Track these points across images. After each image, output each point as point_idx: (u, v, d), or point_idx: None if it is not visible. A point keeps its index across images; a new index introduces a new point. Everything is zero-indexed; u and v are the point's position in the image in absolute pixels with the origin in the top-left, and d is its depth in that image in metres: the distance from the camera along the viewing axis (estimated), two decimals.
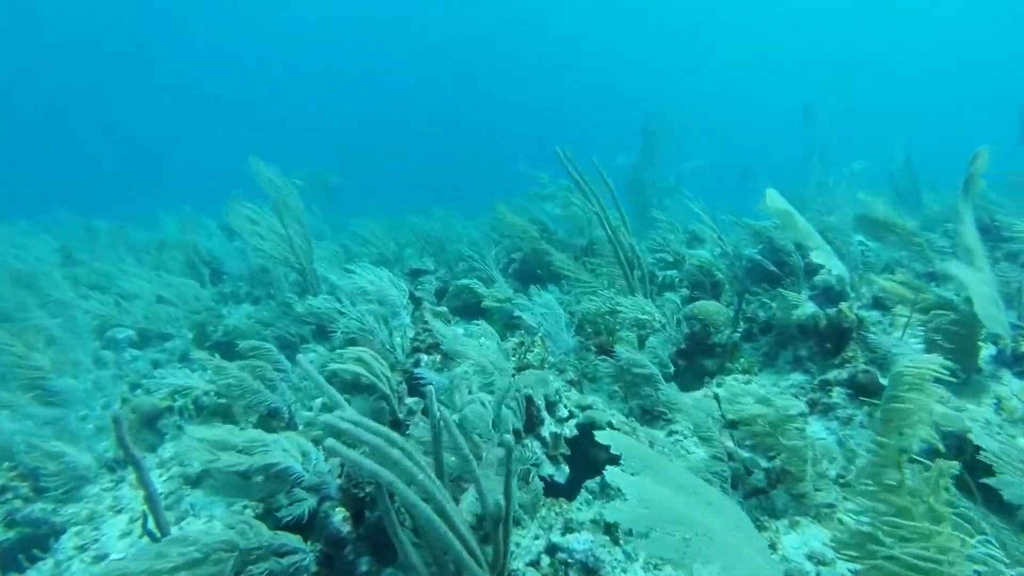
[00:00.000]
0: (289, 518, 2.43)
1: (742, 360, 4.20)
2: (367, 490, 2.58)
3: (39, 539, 3.16)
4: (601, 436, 1.94)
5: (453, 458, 2.19)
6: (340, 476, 2.65)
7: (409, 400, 3.06)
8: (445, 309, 3.48)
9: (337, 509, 2.55)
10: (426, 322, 3.31)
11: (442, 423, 1.90)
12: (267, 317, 5.58)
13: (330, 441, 1.70)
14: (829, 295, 4.54)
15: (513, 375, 2.99)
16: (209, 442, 2.40)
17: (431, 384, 2.04)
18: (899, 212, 6.13)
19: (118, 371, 5.17)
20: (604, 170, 4.85)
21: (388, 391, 2.82)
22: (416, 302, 4.63)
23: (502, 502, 1.94)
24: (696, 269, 5.01)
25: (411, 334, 3.63)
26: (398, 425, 2.98)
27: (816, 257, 3.67)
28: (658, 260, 6.04)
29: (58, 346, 4.99)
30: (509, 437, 1.92)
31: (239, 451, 2.52)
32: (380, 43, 62.29)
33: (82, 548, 3.10)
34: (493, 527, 1.99)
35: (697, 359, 4.19)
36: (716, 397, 2.84)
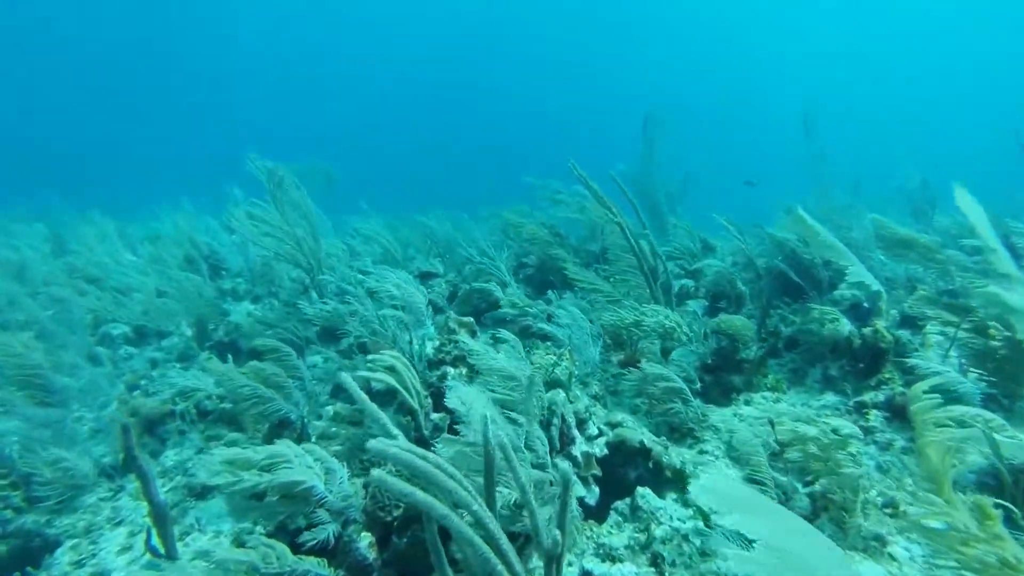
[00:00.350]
0: (313, 542, 2.26)
1: (770, 377, 4.08)
2: (395, 514, 2.42)
3: (32, 552, 2.95)
4: (696, 489, 1.77)
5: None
6: (365, 497, 2.48)
7: (435, 416, 2.89)
8: (471, 320, 3.31)
9: (363, 534, 2.38)
10: (452, 332, 3.15)
11: (500, 449, 1.73)
12: (271, 317, 5.37)
13: (378, 473, 1.53)
14: (857, 312, 4.42)
15: (546, 391, 2.83)
16: (232, 462, 2.21)
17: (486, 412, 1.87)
18: (916, 229, 6.05)
19: (114, 369, 4.94)
20: (606, 176, 4.75)
21: (416, 406, 2.65)
22: (435, 309, 4.47)
23: (558, 537, 1.78)
24: (722, 279, 4.88)
25: (431, 344, 3.46)
26: (424, 443, 2.81)
27: (852, 275, 3.56)
28: (674, 266, 5.92)
29: (51, 341, 4.77)
30: (568, 468, 1.77)
31: (261, 468, 2.34)
32: (378, 39, 61.98)
33: (79, 563, 2.90)
34: (547, 563, 1.83)
35: (724, 375, 4.06)
36: (771, 422, 2.69)
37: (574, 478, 1.79)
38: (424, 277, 5.85)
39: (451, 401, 2.37)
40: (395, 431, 1.84)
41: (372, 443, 1.61)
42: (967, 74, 52.87)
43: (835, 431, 2.49)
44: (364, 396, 1.80)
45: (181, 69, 59.21)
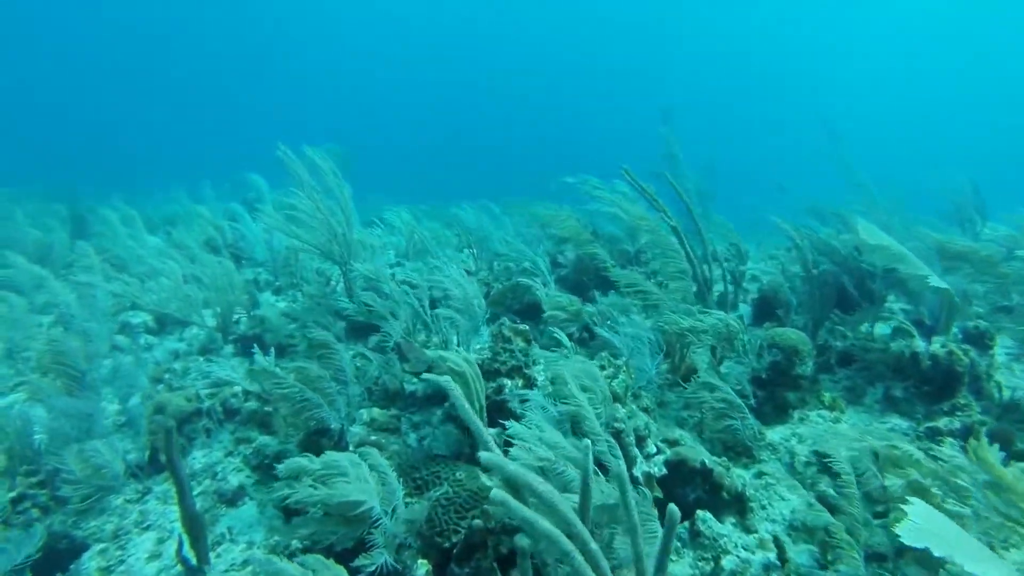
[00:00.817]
0: (371, 567, 2.08)
1: (826, 395, 3.87)
2: (454, 540, 2.23)
3: (60, 555, 2.79)
4: (910, 534, 1.56)
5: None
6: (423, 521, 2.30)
7: (490, 431, 2.69)
8: (527, 327, 3.10)
9: (420, 561, 2.20)
10: (507, 340, 2.95)
11: (618, 481, 1.54)
12: (299, 310, 5.19)
13: (500, 494, 1.35)
14: (919, 328, 4.20)
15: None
16: (288, 469, 2.04)
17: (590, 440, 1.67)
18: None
19: (136, 360, 4.77)
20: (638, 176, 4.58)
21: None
22: None
23: None
24: (776, 286, 4.66)
25: (477, 350, 3.27)
26: (475, 460, 2.62)
27: (934, 282, 3.36)
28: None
29: (74, 326, 4.61)
30: (675, 508, 1.58)
31: (316, 479, 2.16)
32: (382, 36, 61.55)
33: (107, 570, 2.74)
34: None
35: (778, 391, 3.84)
36: (875, 453, 2.47)
37: (678, 519, 1.60)
38: None
39: (516, 430, 2.18)
40: (496, 449, 1.66)
41: (485, 456, 1.44)
42: (984, 78, 52.11)
43: (942, 458, 2.27)
44: (469, 408, 1.61)
45: (200, 59, 59.24)
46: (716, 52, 57.11)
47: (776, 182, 10.76)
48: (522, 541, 1.51)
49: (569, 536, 1.39)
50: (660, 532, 2.12)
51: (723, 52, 56.85)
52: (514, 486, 1.51)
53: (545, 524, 1.30)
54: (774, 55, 56.78)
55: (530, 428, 2.14)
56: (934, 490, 2.31)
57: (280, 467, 2.13)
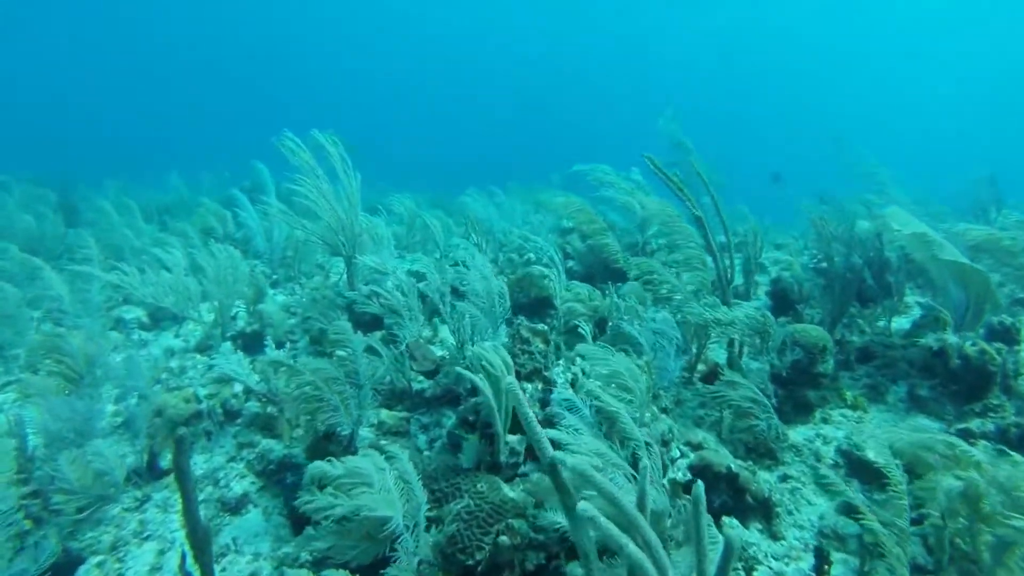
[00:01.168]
0: None
1: (848, 394, 3.75)
2: (477, 557, 2.10)
3: (55, 570, 2.64)
4: None
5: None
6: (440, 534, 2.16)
7: (511, 438, 2.55)
8: (545, 327, 2.94)
9: None
10: (525, 341, 2.80)
11: (695, 503, 1.40)
12: (297, 303, 5.02)
13: (589, 509, 1.21)
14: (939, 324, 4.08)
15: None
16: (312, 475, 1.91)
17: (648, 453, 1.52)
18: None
19: (132, 358, 4.59)
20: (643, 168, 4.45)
21: (501, 429, 2.32)
22: None
23: None
24: (794, 280, 4.52)
25: None
26: (497, 468, 2.48)
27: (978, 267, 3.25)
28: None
29: (66, 321, 4.43)
30: (735, 534, 1.44)
31: (336, 487, 2.02)
32: (378, 33, 60.76)
33: None
34: None
35: (798, 389, 3.72)
36: (979, 467, 2.29)
37: (738, 544, 1.47)
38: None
39: (555, 436, 2.03)
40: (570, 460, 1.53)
41: (573, 462, 1.30)
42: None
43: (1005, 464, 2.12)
44: (531, 415, 1.46)
45: (202, 48, 58.47)
46: (716, 51, 56.87)
47: (771, 171, 10.54)
48: (576, 571, 1.38)
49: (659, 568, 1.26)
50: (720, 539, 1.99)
51: (724, 51, 56.60)
52: (567, 493, 1.36)
53: (634, 548, 1.18)
54: (775, 53, 56.56)
55: (570, 434, 2.00)
56: (986, 501, 2.17)
57: (305, 475, 1.99)
